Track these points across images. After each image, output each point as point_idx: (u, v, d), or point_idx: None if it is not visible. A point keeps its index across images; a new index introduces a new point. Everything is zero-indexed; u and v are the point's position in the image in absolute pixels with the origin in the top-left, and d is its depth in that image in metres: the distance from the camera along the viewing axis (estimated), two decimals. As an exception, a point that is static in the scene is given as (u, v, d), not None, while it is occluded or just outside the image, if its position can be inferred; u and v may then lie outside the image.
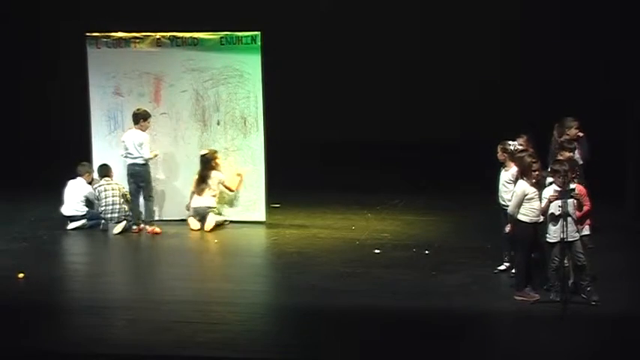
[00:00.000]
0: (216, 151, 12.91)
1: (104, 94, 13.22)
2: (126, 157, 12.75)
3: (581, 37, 16.47)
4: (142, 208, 12.87)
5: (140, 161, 12.68)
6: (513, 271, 10.26)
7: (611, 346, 8.79)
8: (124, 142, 12.74)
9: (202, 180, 12.84)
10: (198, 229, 12.80)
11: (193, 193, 12.92)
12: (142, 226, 12.77)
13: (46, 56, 17.50)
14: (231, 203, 13.09)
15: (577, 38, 16.49)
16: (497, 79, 16.83)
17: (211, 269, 11.70)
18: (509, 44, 16.81)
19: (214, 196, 12.88)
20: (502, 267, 10.64)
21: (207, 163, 12.83)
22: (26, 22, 17.72)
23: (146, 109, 12.81)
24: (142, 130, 12.68)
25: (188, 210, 12.97)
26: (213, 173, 12.84)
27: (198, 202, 12.86)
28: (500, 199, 10.52)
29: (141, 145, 12.63)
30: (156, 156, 12.83)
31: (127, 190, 13.00)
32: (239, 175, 12.97)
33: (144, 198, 12.83)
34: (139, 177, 12.75)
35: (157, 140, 13.10)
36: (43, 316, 9.49)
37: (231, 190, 12.97)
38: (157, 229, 12.72)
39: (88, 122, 13.26)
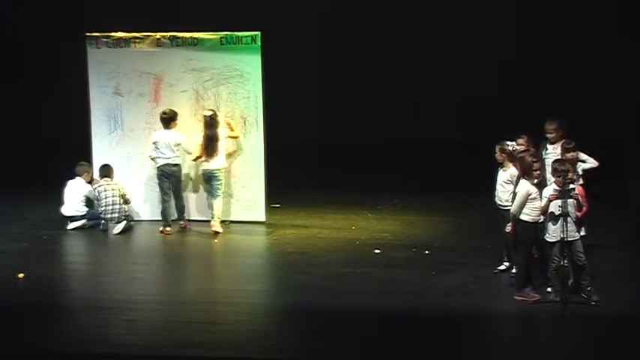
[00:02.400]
0: (215, 111, 12.79)
1: (104, 94, 13.23)
2: (156, 158, 12.75)
3: (581, 37, 16.48)
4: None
5: (176, 161, 12.74)
6: (513, 271, 10.27)
7: (611, 346, 8.80)
8: (155, 142, 12.72)
9: (211, 140, 12.66)
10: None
11: (201, 157, 12.77)
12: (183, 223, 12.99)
13: (46, 56, 17.49)
14: (231, 203, 13.11)
15: (577, 38, 16.51)
16: (497, 78, 16.83)
17: (211, 269, 11.70)
18: (509, 44, 16.81)
19: (222, 155, 12.76)
20: (502, 267, 10.64)
21: (215, 122, 12.70)
22: (26, 22, 17.71)
23: (172, 108, 12.84)
24: (173, 129, 12.75)
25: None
26: (220, 131, 12.75)
27: (209, 164, 12.71)
28: (497, 199, 10.51)
29: (178, 145, 12.72)
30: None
31: (127, 191, 13.04)
32: (242, 118, 12.93)
33: (175, 197, 12.86)
34: (174, 177, 12.79)
35: (157, 140, 13.15)
36: (43, 316, 9.49)
37: (236, 137, 12.88)
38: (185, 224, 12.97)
39: (88, 122, 13.27)
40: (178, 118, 12.95)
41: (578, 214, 9.62)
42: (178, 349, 8.66)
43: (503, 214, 10.33)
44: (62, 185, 13.10)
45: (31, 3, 17.64)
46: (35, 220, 13.37)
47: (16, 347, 8.75)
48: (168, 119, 12.73)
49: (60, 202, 13.04)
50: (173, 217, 12.95)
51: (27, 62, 17.79)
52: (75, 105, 13.74)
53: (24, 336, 9.03)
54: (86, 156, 13.28)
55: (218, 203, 12.75)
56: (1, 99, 17.49)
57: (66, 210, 12.99)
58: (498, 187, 10.48)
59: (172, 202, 12.88)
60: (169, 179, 12.80)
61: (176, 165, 12.80)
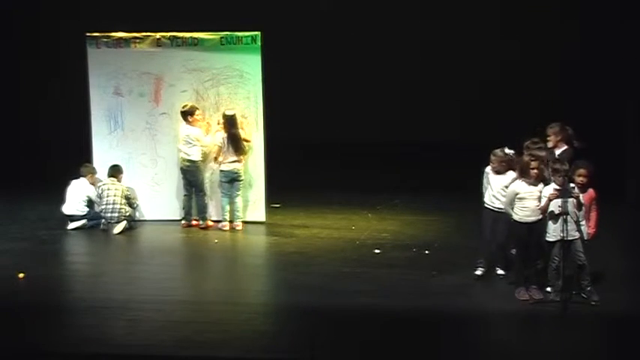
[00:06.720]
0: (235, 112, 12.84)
1: (104, 94, 13.22)
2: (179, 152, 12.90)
3: (582, 37, 16.49)
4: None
5: (194, 158, 12.78)
6: (499, 272, 10.34)
7: (611, 346, 8.80)
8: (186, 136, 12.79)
9: (233, 140, 12.66)
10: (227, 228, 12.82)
11: (218, 158, 12.77)
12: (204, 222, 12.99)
13: (46, 56, 17.50)
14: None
15: (577, 38, 16.53)
16: (497, 79, 16.83)
17: (211, 269, 11.70)
18: (508, 44, 16.82)
19: (241, 160, 12.79)
20: (501, 272, 10.57)
21: (235, 122, 12.70)
22: (26, 22, 17.72)
23: (193, 104, 12.86)
24: (192, 125, 12.77)
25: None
26: (240, 132, 12.75)
27: (230, 165, 12.72)
28: (493, 200, 10.39)
29: (197, 139, 12.79)
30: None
31: (135, 195, 13.11)
32: (244, 117, 12.89)
33: (196, 194, 12.94)
34: (189, 173, 12.88)
35: (157, 140, 13.17)
36: (43, 316, 9.50)
37: (247, 141, 12.85)
38: (210, 223, 12.99)
39: (88, 122, 13.27)
40: (178, 118, 12.96)
41: (590, 229, 9.71)
42: (178, 349, 8.66)
43: (495, 216, 10.31)
44: (62, 185, 13.10)
45: (31, 3, 17.65)
46: (35, 220, 13.37)
47: (16, 347, 8.75)
48: (186, 113, 12.78)
49: (60, 201, 13.04)
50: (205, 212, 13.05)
51: (27, 62, 17.80)
52: (75, 105, 13.74)
53: (24, 336, 9.03)
54: (86, 156, 13.28)
55: (239, 203, 12.83)
56: (0, 99, 17.51)
57: (67, 209, 13.00)
58: (500, 190, 10.34)
59: (193, 199, 12.99)
60: (186, 175, 12.90)
61: (194, 162, 12.82)
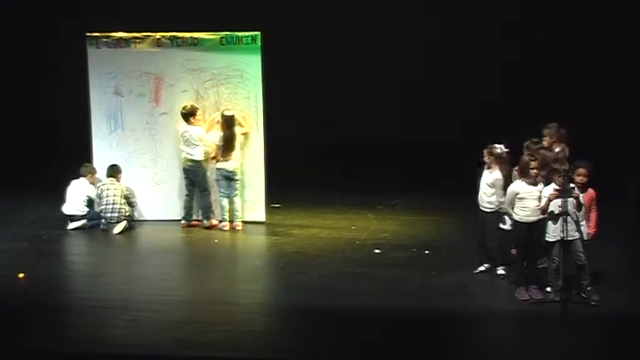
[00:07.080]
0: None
1: (104, 94, 13.22)
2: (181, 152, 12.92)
3: (581, 39, 16.50)
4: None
5: (196, 158, 12.79)
6: (500, 272, 10.35)
7: (611, 346, 8.80)
8: (182, 135, 12.80)
9: (230, 140, 12.69)
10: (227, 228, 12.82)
11: (216, 158, 12.81)
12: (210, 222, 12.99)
13: (46, 56, 17.50)
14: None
15: (577, 37, 16.53)
16: (497, 79, 16.84)
17: (211, 269, 11.69)
18: (508, 45, 16.82)
19: (233, 158, 12.78)
20: (502, 271, 10.57)
21: (233, 123, 12.72)
22: (26, 22, 17.72)
23: (193, 104, 12.87)
24: (194, 126, 12.79)
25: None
26: (236, 129, 12.77)
27: (225, 164, 12.74)
28: (480, 200, 10.48)
29: (199, 139, 12.81)
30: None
31: (134, 193, 13.12)
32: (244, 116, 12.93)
33: (200, 194, 12.96)
34: (191, 172, 12.89)
35: (157, 140, 13.17)
36: (43, 316, 9.50)
37: (245, 133, 12.86)
38: (215, 222, 12.94)
39: (88, 122, 13.27)
40: (178, 118, 12.95)
41: (590, 229, 9.70)
42: (178, 349, 8.66)
43: (483, 215, 10.34)
44: (62, 185, 13.10)
45: (31, 3, 17.65)
46: (35, 220, 13.36)
47: (16, 347, 8.75)
48: (187, 114, 12.78)
49: (60, 201, 13.04)
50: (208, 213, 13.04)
51: (27, 62, 17.79)
52: (75, 105, 13.74)
53: (24, 336, 9.04)
54: (86, 156, 13.29)
55: (238, 203, 12.85)
56: (1, 99, 17.51)
57: (67, 209, 13.00)
58: (485, 187, 10.42)
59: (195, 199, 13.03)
60: (189, 175, 12.91)
61: (196, 161, 12.84)
